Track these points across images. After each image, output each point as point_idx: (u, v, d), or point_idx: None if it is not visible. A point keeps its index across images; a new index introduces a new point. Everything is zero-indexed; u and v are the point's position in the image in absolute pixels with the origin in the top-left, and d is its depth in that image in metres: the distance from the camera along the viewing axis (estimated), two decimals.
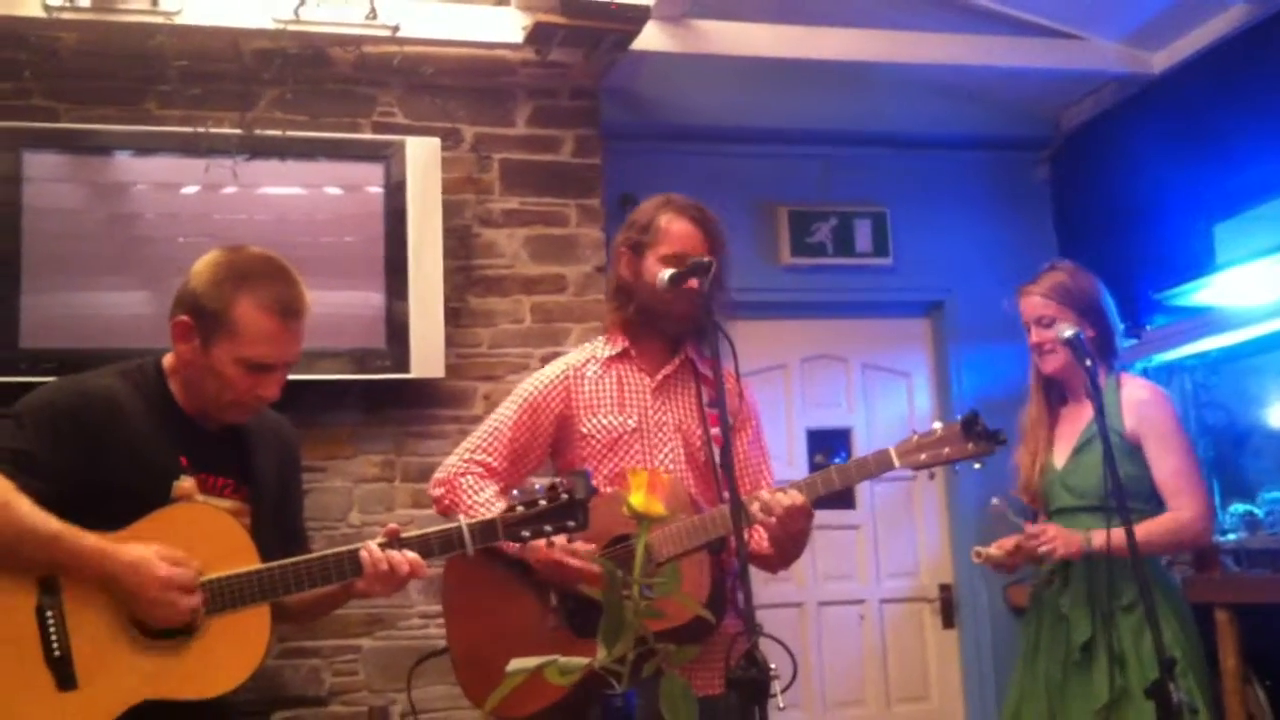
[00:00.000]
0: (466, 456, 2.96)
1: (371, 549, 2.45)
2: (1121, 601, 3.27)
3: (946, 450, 2.78)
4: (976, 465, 2.81)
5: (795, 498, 2.70)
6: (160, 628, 2.32)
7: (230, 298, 2.41)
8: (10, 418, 2.36)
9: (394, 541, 2.48)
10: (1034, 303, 3.47)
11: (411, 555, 2.46)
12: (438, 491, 2.96)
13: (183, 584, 2.30)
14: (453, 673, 2.86)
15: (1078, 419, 3.50)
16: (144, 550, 2.29)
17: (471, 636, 2.84)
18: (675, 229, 2.91)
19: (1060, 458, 3.50)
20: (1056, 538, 3.29)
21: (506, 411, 3.00)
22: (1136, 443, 3.36)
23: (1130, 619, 3.25)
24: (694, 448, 2.94)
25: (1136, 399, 3.39)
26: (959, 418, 2.83)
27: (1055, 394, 3.60)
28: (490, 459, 2.95)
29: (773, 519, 2.70)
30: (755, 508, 2.70)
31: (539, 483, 2.63)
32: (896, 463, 2.78)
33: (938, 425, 2.82)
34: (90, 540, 2.26)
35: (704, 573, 2.73)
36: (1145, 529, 3.19)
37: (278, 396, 2.50)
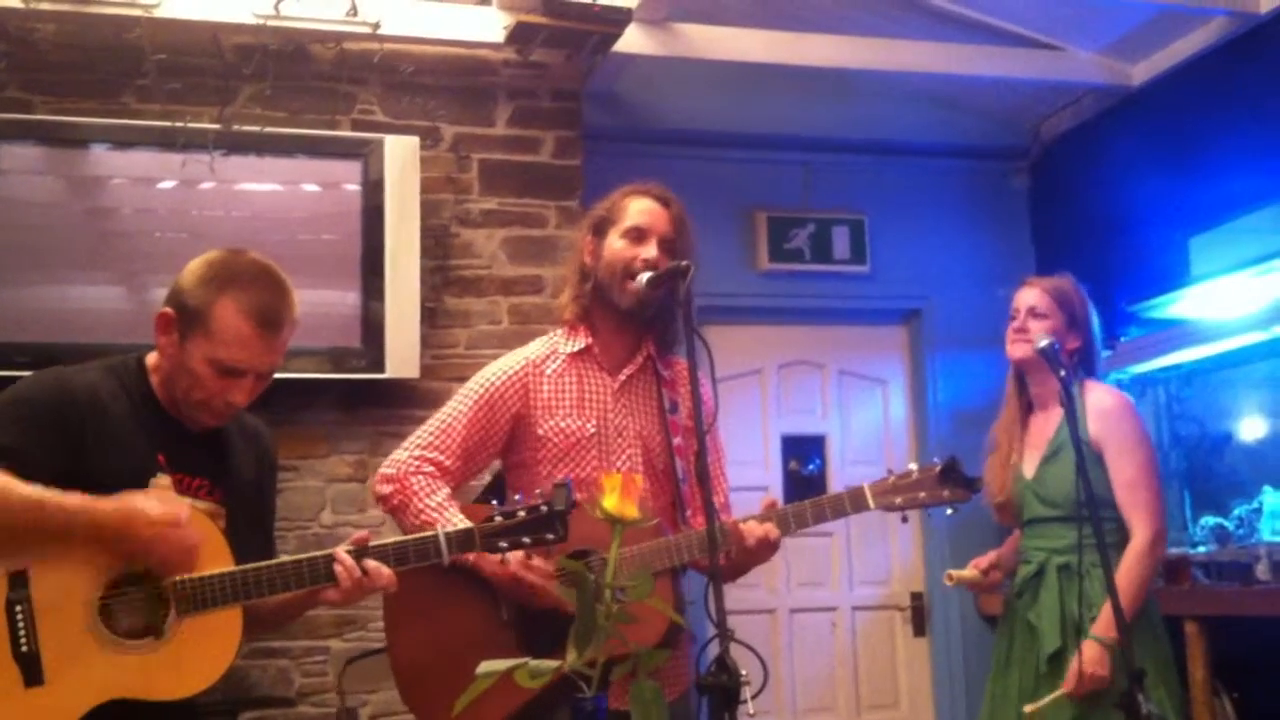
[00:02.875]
0: (417, 454, 2.82)
1: (345, 560, 2.41)
2: (1093, 613, 3.28)
3: (922, 495, 2.81)
4: (949, 511, 2.85)
5: (770, 531, 2.71)
6: (166, 569, 2.30)
7: (212, 297, 2.40)
8: None
9: (362, 550, 2.45)
10: (1034, 294, 3.52)
11: (386, 570, 2.43)
12: (386, 489, 2.80)
13: (176, 520, 2.29)
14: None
15: (1045, 428, 3.51)
16: (130, 495, 2.29)
17: (415, 646, 2.74)
18: (636, 206, 2.90)
19: (1030, 467, 3.52)
20: (1089, 678, 3.19)
21: (460, 406, 2.86)
22: (1099, 450, 3.37)
23: None
24: (653, 454, 2.89)
25: (1101, 406, 3.40)
26: (936, 461, 2.85)
27: (1025, 403, 3.62)
28: (442, 457, 2.81)
29: (745, 545, 2.70)
30: (730, 530, 2.68)
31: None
32: (871, 504, 2.81)
33: (914, 467, 2.85)
34: (75, 499, 2.23)
35: (667, 593, 2.70)
36: (1123, 582, 3.14)
37: (245, 404, 2.48)
